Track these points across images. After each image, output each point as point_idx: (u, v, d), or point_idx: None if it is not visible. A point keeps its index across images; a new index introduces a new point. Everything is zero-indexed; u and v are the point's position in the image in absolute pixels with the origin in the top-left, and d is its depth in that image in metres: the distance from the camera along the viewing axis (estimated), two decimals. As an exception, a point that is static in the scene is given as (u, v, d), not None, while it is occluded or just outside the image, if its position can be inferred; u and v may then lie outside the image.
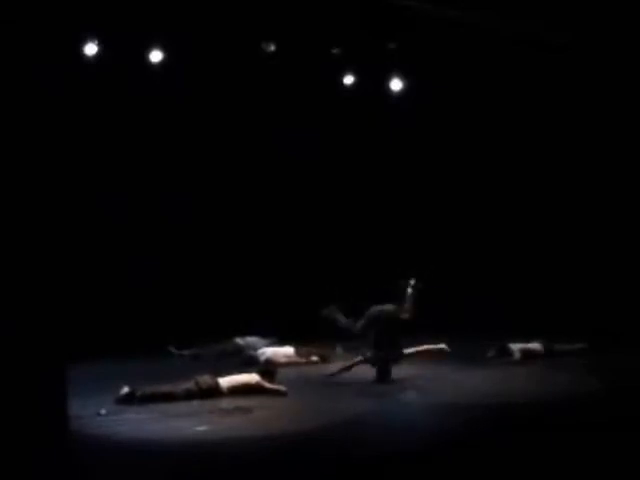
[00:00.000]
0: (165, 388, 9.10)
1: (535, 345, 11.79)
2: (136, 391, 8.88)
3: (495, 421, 8.25)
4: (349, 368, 10.35)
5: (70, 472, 6.43)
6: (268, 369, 9.80)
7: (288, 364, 11.19)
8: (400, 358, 10.29)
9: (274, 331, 12.14)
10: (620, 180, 13.64)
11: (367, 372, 10.35)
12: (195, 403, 8.89)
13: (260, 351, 11.49)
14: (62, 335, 6.73)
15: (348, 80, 13.84)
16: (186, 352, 11.83)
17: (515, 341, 11.80)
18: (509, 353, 11.71)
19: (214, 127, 13.43)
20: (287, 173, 13.97)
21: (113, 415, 8.31)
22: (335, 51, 13.14)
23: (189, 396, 9.03)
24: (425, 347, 10.76)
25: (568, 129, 13.97)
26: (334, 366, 11.09)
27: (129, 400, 8.79)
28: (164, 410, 8.56)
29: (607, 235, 13.61)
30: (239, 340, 12.00)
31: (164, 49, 12.34)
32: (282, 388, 9.48)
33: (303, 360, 11.62)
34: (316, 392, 9.78)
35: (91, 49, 11.83)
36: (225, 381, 9.30)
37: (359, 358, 10.36)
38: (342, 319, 10.61)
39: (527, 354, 11.66)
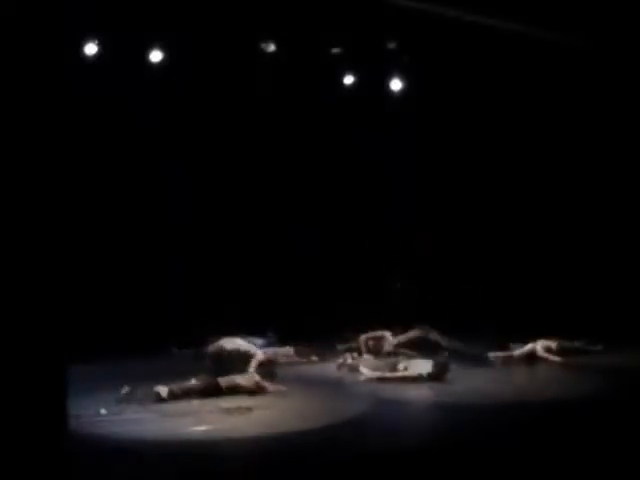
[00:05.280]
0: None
1: (537, 345, 11.78)
2: (164, 392, 8.91)
3: (496, 421, 8.24)
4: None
5: (70, 472, 6.42)
6: (268, 369, 9.79)
7: (288, 364, 11.18)
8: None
9: (274, 331, 12.13)
10: (628, 179, 13.70)
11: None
12: (195, 403, 8.89)
13: (260, 351, 11.48)
14: (62, 335, 6.73)
15: (348, 80, 13.85)
16: (187, 352, 11.82)
17: (517, 341, 11.81)
18: (511, 353, 11.72)
19: (214, 127, 13.42)
20: (286, 173, 13.96)
21: (113, 415, 8.31)
22: (335, 51, 13.14)
23: (190, 394, 9.04)
24: None
25: (568, 129, 13.98)
26: (333, 366, 11.14)
27: (159, 400, 8.82)
28: (164, 410, 8.56)
29: (615, 235, 13.68)
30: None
31: (164, 49, 12.35)
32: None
33: (303, 360, 11.63)
34: (316, 392, 9.78)
35: (91, 49, 11.84)
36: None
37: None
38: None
39: (529, 354, 11.67)
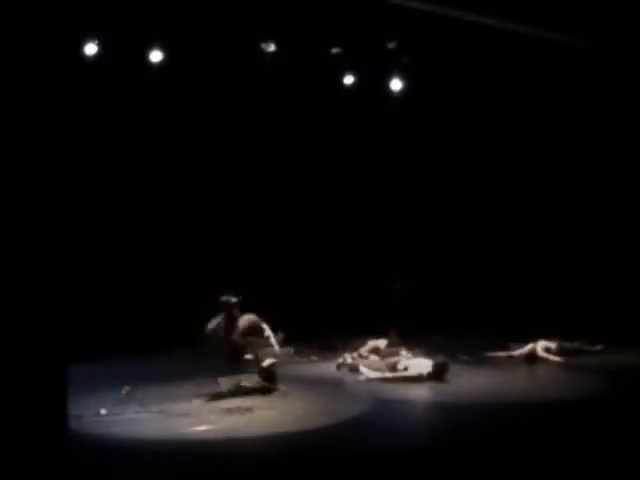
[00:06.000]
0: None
1: (537, 345, 11.78)
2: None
3: (496, 421, 8.24)
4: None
5: (70, 472, 6.42)
6: (269, 369, 9.80)
7: (288, 364, 11.17)
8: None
9: (283, 331, 12.14)
10: (628, 179, 13.73)
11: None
12: (195, 403, 8.89)
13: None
14: (62, 335, 6.73)
15: (348, 80, 13.86)
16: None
17: (517, 341, 11.81)
18: (511, 353, 11.73)
19: (214, 127, 13.41)
20: (286, 173, 13.94)
21: (113, 415, 8.31)
22: (335, 51, 13.15)
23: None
24: None
25: (568, 129, 13.99)
26: (333, 366, 11.15)
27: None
28: (164, 410, 8.56)
29: (614, 235, 13.71)
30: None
31: (164, 49, 12.36)
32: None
33: (303, 360, 11.63)
34: (316, 392, 9.78)
35: (91, 49, 11.85)
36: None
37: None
38: None
39: (529, 354, 11.67)
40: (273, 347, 9.86)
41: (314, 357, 11.80)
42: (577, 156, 14.01)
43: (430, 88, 14.01)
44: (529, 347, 11.74)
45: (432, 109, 14.34)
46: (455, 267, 14.61)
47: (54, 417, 6.49)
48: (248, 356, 10.68)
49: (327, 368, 11.23)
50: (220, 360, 11.05)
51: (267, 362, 9.63)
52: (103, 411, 8.35)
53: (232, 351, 10.29)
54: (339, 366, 11.14)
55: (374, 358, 11.38)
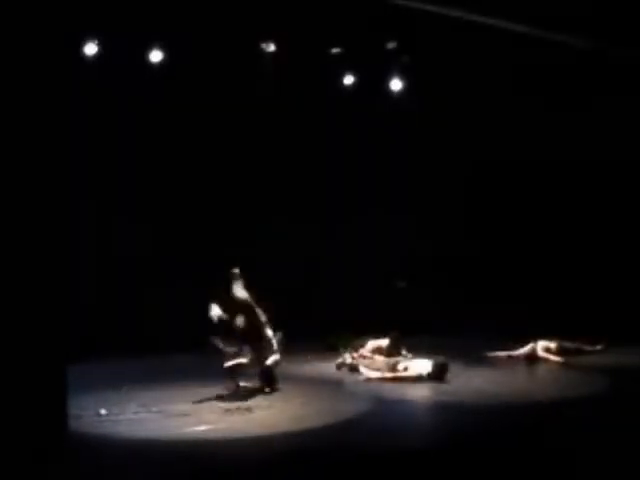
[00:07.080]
0: None
1: (537, 345, 11.79)
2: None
3: (496, 421, 8.25)
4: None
5: (70, 472, 6.42)
6: (269, 370, 9.80)
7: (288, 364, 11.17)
8: None
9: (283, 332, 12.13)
10: (628, 179, 13.75)
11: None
12: (195, 403, 8.88)
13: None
14: (62, 335, 6.73)
15: (348, 80, 13.86)
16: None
17: (517, 341, 11.82)
18: (511, 353, 11.74)
19: (214, 127, 13.40)
20: (286, 173, 13.94)
21: (113, 415, 8.32)
22: (335, 51, 13.15)
23: None
24: None
25: (568, 129, 13.99)
26: (333, 366, 11.14)
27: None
28: (164, 410, 8.56)
29: (615, 235, 13.73)
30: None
31: (164, 49, 12.36)
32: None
33: (304, 360, 11.62)
34: (316, 392, 9.78)
35: (91, 49, 11.86)
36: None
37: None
38: None
39: (529, 354, 11.68)
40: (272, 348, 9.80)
41: (310, 357, 11.80)
42: (577, 156, 14.00)
43: (430, 88, 14.01)
44: (529, 347, 11.75)
45: (432, 109, 14.34)
46: (455, 267, 14.59)
47: (54, 417, 6.50)
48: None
49: (327, 368, 11.23)
50: (220, 360, 11.08)
51: (269, 361, 9.64)
52: (103, 411, 8.35)
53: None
54: (339, 366, 11.14)
55: (380, 358, 11.37)
